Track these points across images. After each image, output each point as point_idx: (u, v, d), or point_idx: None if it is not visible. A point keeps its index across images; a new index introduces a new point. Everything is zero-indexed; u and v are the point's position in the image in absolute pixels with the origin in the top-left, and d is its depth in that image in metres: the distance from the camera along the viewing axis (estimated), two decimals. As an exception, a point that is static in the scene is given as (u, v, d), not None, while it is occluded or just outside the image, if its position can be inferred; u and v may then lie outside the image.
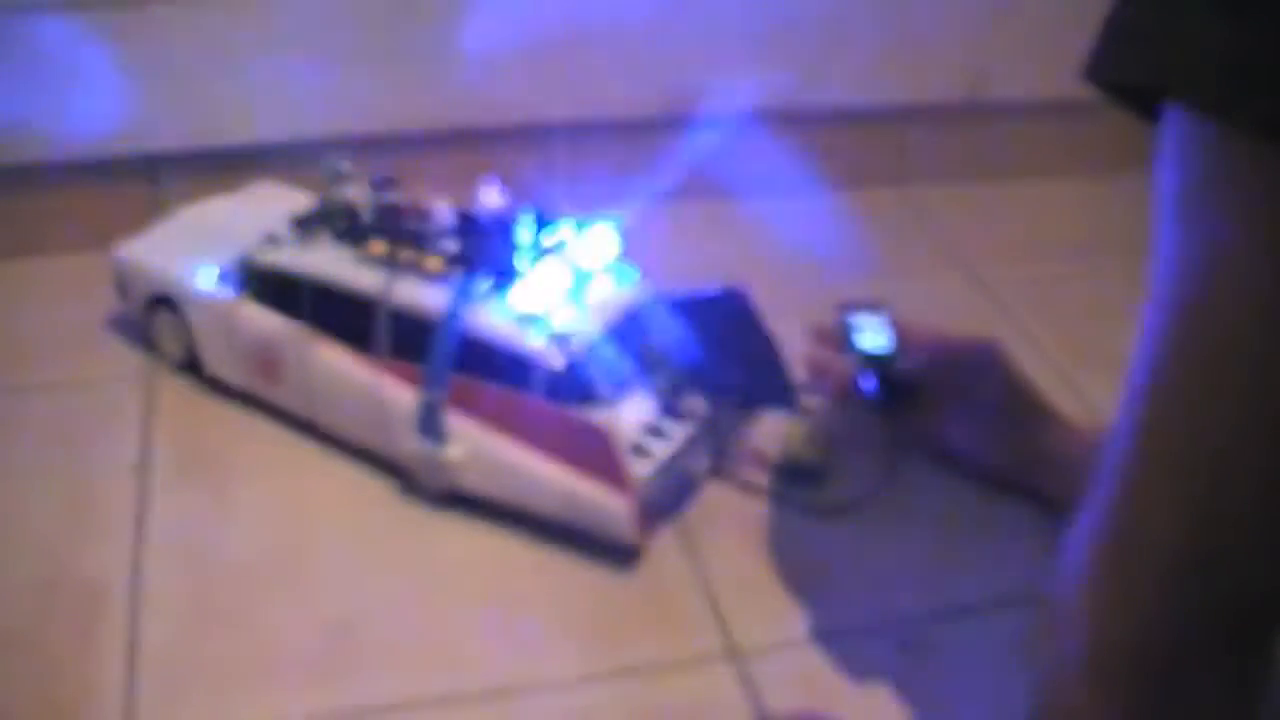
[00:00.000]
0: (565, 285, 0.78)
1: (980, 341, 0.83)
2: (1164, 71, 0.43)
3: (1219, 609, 0.45)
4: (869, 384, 0.82)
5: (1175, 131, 0.44)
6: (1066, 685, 0.48)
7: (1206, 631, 0.45)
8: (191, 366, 0.90)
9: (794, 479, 0.83)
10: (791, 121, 1.12)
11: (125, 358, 0.93)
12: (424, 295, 0.78)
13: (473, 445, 0.77)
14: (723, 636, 0.73)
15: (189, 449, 0.85)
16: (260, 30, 1.02)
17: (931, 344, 0.83)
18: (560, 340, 0.75)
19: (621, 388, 0.77)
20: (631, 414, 0.77)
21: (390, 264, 0.80)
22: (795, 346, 0.85)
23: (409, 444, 0.79)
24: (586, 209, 0.82)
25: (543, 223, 0.80)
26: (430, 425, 0.78)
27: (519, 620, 0.73)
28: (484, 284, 0.77)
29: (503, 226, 0.80)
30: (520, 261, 0.78)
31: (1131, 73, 0.45)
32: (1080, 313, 1.03)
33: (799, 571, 0.77)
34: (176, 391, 0.90)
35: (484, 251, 0.79)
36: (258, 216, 0.90)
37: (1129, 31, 0.45)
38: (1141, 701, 0.46)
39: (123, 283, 0.92)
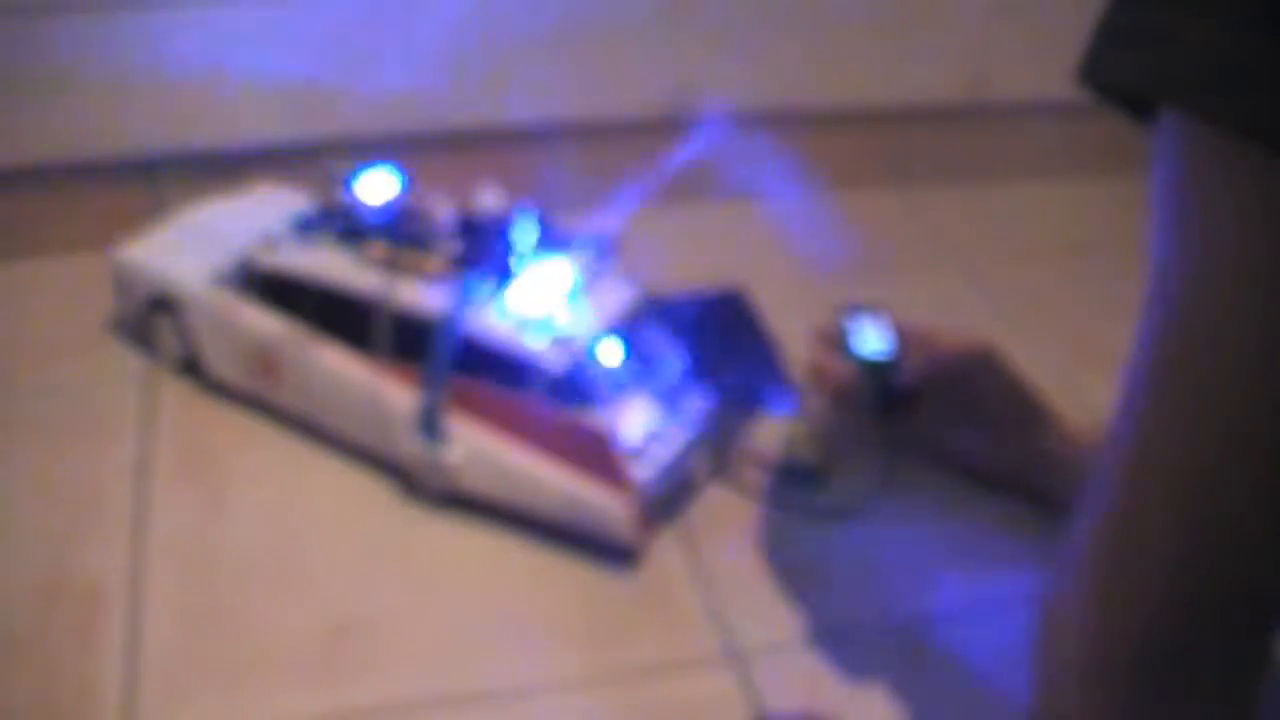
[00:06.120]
0: (565, 287, 0.78)
1: (977, 346, 0.83)
2: (1157, 74, 0.43)
3: (1216, 612, 0.45)
4: (867, 388, 0.82)
5: (1169, 134, 0.44)
6: (1064, 687, 0.48)
7: (1205, 634, 0.45)
8: (191, 368, 0.90)
9: (794, 480, 0.83)
10: (791, 121, 1.12)
11: (125, 359, 0.93)
12: (424, 297, 0.78)
13: (473, 447, 0.77)
14: (723, 636, 0.73)
15: (189, 450, 0.85)
16: (260, 31, 1.02)
17: (930, 346, 0.83)
18: (561, 342, 0.75)
19: (621, 389, 0.77)
20: (631, 416, 0.77)
21: (390, 265, 0.80)
22: (795, 347, 0.85)
23: (409, 445, 0.79)
24: (587, 210, 0.82)
25: (543, 224, 0.80)
26: (430, 426, 0.78)
27: (519, 621, 0.73)
28: (484, 285, 0.77)
29: (503, 228, 0.80)
30: (520, 263, 0.78)
31: (1125, 75, 0.45)
32: (1080, 313, 1.02)
33: (799, 572, 0.77)
34: (176, 392, 0.90)
35: (484, 253, 0.79)
36: (257, 217, 0.90)
37: (1122, 34, 0.45)
38: (1139, 704, 0.46)
39: (122, 284, 0.92)
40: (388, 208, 0.83)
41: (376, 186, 0.83)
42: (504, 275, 0.78)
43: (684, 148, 1.05)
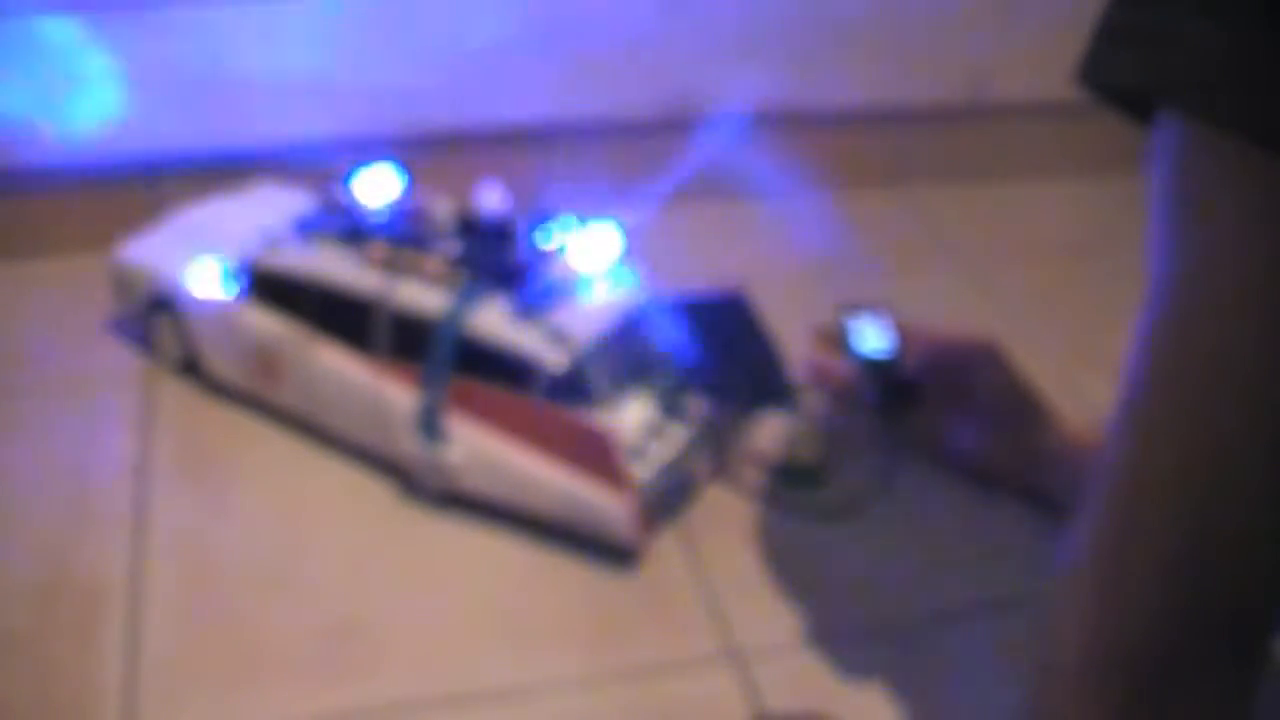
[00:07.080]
0: (566, 287, 0.78)
1: (979, 342, 0.83)
2: (1157, 75, 0.43)
3: (1214, 614, 0.45)
4: (867, 387, 0.82)
5: (1168, 135, 0.44)
6: (1062, 687, 0.48)
7: (1201, 636, 0.45)
8: (191, 368, 0.90)
9: (793, 480, 0.83)
10: (792, 122, 1.12)
11: (125, 359, 0.93)
12: (424, 297, 0.78)
13: (473, 447, 0.77)
14: (723, 637, 0.73)
15: (189, 449, 0.85)
16: (260, 30, 1.02)
17: (930, 345, 0.83)
18: (561, 342, 0.75)
19: (622, 390, 0.77)
20: (632, 416, 0.77)
21: (391, 266, 0.80)
22: (795, 347, 0.85)
23: (409, 445, 0.79)
24: (587, 211, 0.82)
25: (544, 225, 0.80)
26: (430, 426, 0.78)
27: (519, 621, 0.73)
28: (484, 285, 0.77)
29: (503, 228, 0.80)
30: (521, 263, 0.78)
31: (1124, 76, 0.45)
32: (1080, 313, 1.02)
33: (799, 572, 0.77)
34: (176, 392, 0.90)
35: (485, 253, 0.79)
36: (258, 216, 0.90)
37: (1122, 35, 0.45)
38: (1135, 704, 0.46)
39: (122, 284, 0.92)
40: (389, 208, 0.83)
41: (377, 185, 0.83)
42: (504, 275, 0.78)
43: (685, 149, 1.05)
